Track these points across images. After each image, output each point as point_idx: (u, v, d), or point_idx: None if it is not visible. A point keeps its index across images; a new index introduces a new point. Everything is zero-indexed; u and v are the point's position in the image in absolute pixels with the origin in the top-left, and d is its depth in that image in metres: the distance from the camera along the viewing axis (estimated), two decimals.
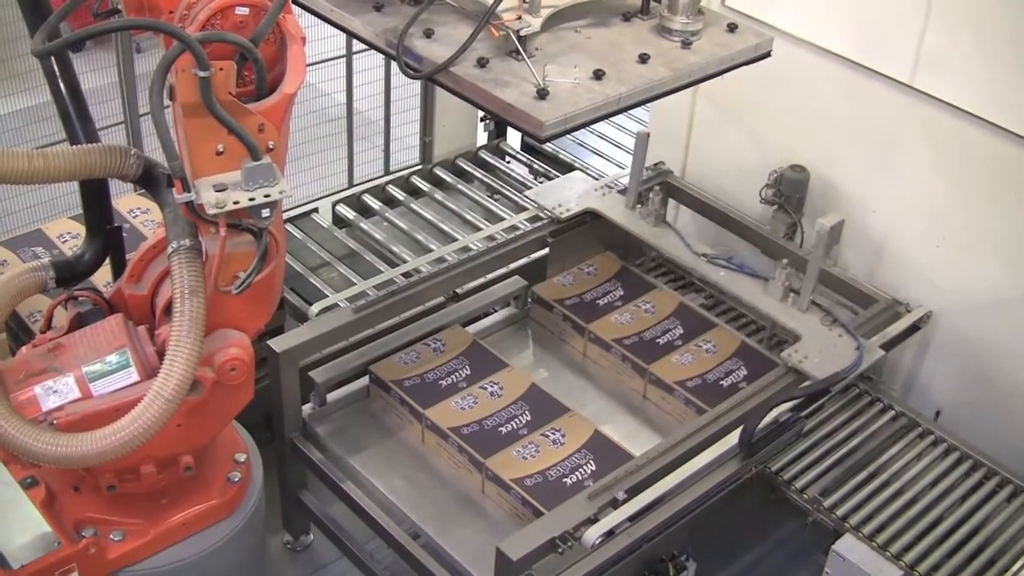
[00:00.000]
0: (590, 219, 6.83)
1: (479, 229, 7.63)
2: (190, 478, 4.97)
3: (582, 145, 9.09)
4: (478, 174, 8.40)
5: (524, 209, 7.77)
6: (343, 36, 7.92)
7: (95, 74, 7.73)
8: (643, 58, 4.36)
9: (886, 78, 6.02)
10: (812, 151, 6.52)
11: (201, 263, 4.46)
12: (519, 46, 4.22)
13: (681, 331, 6.36)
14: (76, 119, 5.00)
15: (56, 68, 4.87)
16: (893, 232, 6.30)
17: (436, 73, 4.36)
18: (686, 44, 4.48)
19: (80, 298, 5.01)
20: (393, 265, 7.19)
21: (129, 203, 6.87)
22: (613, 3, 4.58)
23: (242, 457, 5.30)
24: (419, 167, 8.74)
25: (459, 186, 8.25)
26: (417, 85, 8.80)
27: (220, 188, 4.19)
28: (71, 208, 7.18)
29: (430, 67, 4.37)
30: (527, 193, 7.35)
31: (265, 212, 4.24)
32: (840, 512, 5.44)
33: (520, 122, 4.10)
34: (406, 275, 6.94)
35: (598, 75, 4.21)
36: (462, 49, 4.30)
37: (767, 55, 4.83)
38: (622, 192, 6.93)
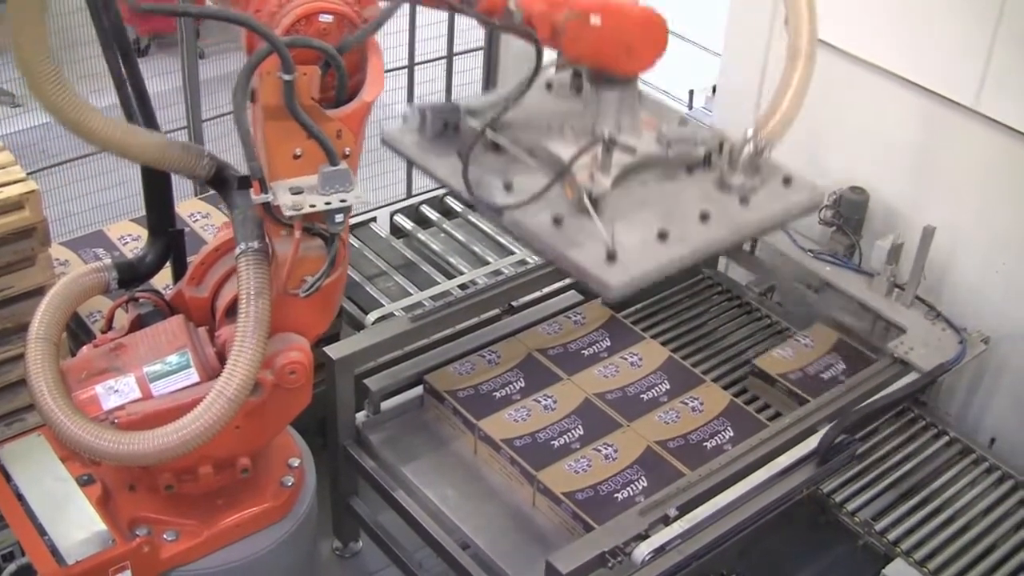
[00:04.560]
0: None
1: None
2: (244, 481, 5.01)
3: None
4: None
5: None
6: (406, 46, 8.17)
7: (159, 79, 7.81)
8: (704, 216, 4.43)
9: (950, 101, 6.00)
10: (872, 173, 6.50)
11: (268, 266, 4.48)
12: (590, 207, 4.27)
13: (667, 387, 6.17)
14: (142, 121, 5.06)
15: (123, 70, 4.93)
16: (952, 256, 6.27)
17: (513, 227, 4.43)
18: (743, 200, 4.55)
19: (141, 300, 5.05)
20: (450, 276, 7.20)
21: (190, 207, 6.93)
22: (678, 157, 4.65)
23: (296, 462, 5.33)
24: None
25: None
26: None
27: (296, 191, 4.26)
28: (133, 211, 7.25)
29: (509, 220, 4.42)
30: None
31: (339, 217, 4.32)
32: (891, 536, 5.41)
33: (591, 283, 4.20)
34: (462, 287, 6.95)
35: (662, 236, 4.28)
36: (533, 198, 4.32)
37: (819, 206, 5.45)
38: None
